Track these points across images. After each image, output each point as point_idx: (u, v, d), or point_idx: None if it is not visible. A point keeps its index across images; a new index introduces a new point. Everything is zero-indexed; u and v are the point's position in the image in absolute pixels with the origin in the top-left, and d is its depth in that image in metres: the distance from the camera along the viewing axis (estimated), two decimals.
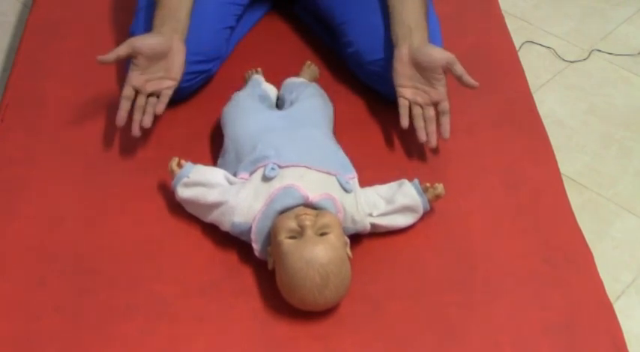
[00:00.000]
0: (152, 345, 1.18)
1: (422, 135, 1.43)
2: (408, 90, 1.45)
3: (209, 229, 1.31)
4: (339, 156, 1.35)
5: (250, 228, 1.24)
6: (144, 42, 1.41)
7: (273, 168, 1.26)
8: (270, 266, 1.22)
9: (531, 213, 1.39)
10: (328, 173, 1.28)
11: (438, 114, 1.44)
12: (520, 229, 1.36)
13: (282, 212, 1.22)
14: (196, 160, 1.35)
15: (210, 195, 1.28)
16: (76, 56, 1.66)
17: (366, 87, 1.60)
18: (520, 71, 1.70)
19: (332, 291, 1.17)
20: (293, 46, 1.71)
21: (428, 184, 1.32)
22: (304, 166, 1.27)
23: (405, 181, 1.33)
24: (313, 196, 1.23)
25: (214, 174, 1.31)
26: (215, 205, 1.27)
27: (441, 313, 1.23)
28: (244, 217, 1.25)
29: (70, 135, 1.49)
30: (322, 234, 1.18)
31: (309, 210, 1.21)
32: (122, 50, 1.40)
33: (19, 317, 1.20)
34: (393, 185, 1.33)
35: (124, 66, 1.60)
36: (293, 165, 1.27)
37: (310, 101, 1.45)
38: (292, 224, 1.19)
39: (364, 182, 1.33)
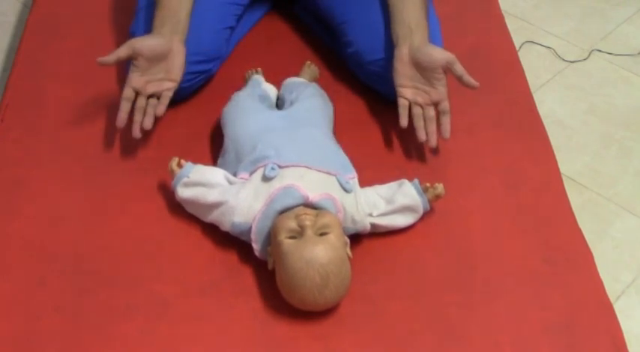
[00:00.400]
0: (152, 345, 1.18)
1: (422, 135, 1.43)
2: (408, 90, 1.44)
3: (209, 229, 1.31)
4: (339, 156, 1.35)
5: (250, 228, 1.24)
6: (144, 43, 1.41)
7: (273, 168, 1.26)
8: (270, 266, 1.22)
9: (531, 213, 1.39)
10: (328, 173, 1.28)
11: (438, 114, 1.44)
12: (520, 229, 1.36)
13: (282, 212, 1.22)
14: (196, 160, 1.35)
15: (210, 195, 1.28)
16: (76, 56, 1.66)
17: (366, 87, 1.60)
18: (520, 71, 1.70)
19: (332, 291, 1.17)
20: (293, 46, 1.71)
21: (428, 184, 1.32)
22: (304, 166, 1.27)
23: (405, 181, 1.33)
24: (313, 196, 1.23)
25: (214, 174, 1.31)
26: (215, 205, 1.27)
27: (441, 313, 1.23)
28: (244, 217, 1.25)
29: (70, 135, 1.49)
30: (322, 234, 1.18)
31: (309, 210, 1.21)
32: (122, 51, 1.40)
33: (19, 317, 1.20)
34: (392, 185, 1.33)
35: (124, 66, 1.60)
36: (293, 165, 1.27)
37: (310, 101, 1.45)
38: (292, 224, 1.19)
39: (364, 182, 1.33)
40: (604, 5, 2.36)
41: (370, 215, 1.29)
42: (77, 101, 1.56)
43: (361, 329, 1.20)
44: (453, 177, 1.42)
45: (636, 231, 1.73)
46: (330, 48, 1.69)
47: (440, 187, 1.32)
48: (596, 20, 2.30)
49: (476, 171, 1.46)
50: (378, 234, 1.32)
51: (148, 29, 1.48)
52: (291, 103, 1.45)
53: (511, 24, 1.90)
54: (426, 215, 1.34)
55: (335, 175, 1.29)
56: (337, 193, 1.26)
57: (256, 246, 1.25)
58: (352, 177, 1.31)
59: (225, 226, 1.28)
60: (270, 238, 1.22)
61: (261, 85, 1.51)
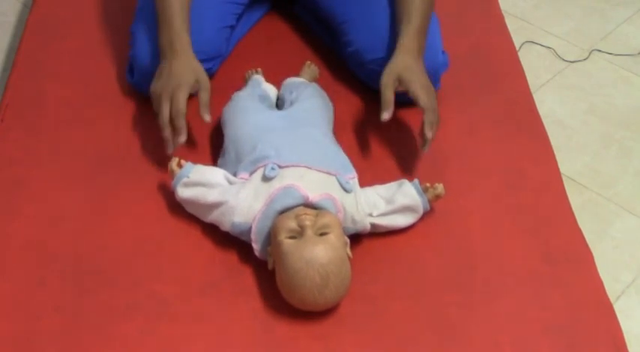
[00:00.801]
0: (152, 345, 1.18)
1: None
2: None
3: (209, 229, 1.31)
4: (339, 156, 1.35)
5: (250, 228, 1.24)
6: (204, 76, 1.40)
7: (273, 168, 1.26)
8: (270, 266, 1.22)
9: (531, 213, 1.39)
10: (328, 173, 1.28)
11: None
12: (520, 229, 1.36)
13: (282, 212, 1.22)
14: (196, 160, 1.35)
15: (210, 195, 1.28)
16: (76, 56, 1.66)
17: (366, 87, 1.59)
18: (520, 71, 1.70)
19: (332, 291, 1.17)
20: (293, 46, 1.71)
21: (428, 184, 1.32)
22: (304, 166, 1.27)
23: (405, 181, 1.33)
24: (313, 196, 1.23)
25: (214, 174, 1.31)
26: (215, 205, 1.27)
27: (441, 313, 1.23)
28: (244, 217, 1.25)
29: (70, 135, 1.49)
30: (322, 234, 1.18)
31: (309, 210, 1.21)
32: (206, 96, 1.38)
33: (19, 317, 1.20)
34: (393, 185, 1.33)
35: (124, 67, 1.60)
36: (293, 165, 1.27)
37: (310, 101, 1.45)
38: (292, 224, 1.19)
39: (364, 182, 1.33)
40: (604, 5, 2.36)
41: (370, 215, 1.29)
42: (77, 101, 1.56)
43: (361, 329, 1.20)
44: (453, 177, 1.42)
45: (636, 231, 1.72)
46: (330, 48, 1.69)
47: (440, 187, 1.32)
48: (596, 20, 2.30)
49: (476, 171, 1.46)
50: (378, 234, 1.32)
51: (148, 30, 1.48)
52: (291, 103, 1.45)
53: (511, 24, 1.90)
54: (426, 215, 1.34)
55: (335, 175, 1.29)
56: (337, 193, 1.26)
57: (256, 246, 1.25)
58: (352, 177, 1.31)
59: (225, 226, 1.27)
60: (270, 238, 1.22)
61: (261, 85, 1.51)
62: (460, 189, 1.40)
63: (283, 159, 1.28)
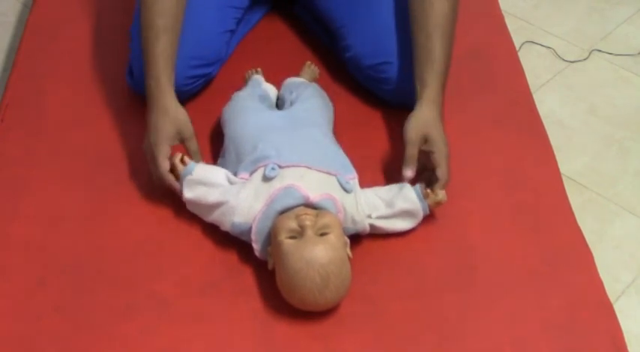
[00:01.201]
0: (152, 345, 1.18)
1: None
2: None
3: (209, 229, 1.31)
4: (339, 157, 1.34)
5: (250, 228, 1.24)
6: (189, 126, 1.37)
7: (273, 168, 1.26)
8: (270, 267, 1.22)
9: (531, 213, 1.39)
10: (328, 173, 1.28)
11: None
12: (520, 229, 1.36)
13: (283, 212, 1.22)
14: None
15: (211, 195, 1.28)
16: (76, 56, 1.66)
17: (366, 87, 1.59)
18: (520, 71, 1.70)
19: (332, 291, 1.17)
20: (293, 46, 1.71)
21: (429, 190, 1.32)
22: (305, 166, 1.27)
23: (407, 185, 1.32)
24: (314, 196, 1.23)
25: (216, 174, 1.30)
26: (216, 205, 1.27)
27: (441, 313, 1.23)
28: (244, 217, 1.25)
29: (70, 135, 1.49)
30: (322, 234, 1.18)
31: (309, 210, 1.21)
32: (194, 145, 1.36)
33: (19, 317, 1.20)
34: (393, 187, 1.33)
35: (123, 67, 1.60)
36: (293, 165, 1.27)
37: (310, 101, 1.45)
38: (292, 224, 1.19)
39: (364, 182, 1.33)
40: (604, 5, 2.35)
41: (369, 217, 1.28)
42: (77, 101, 1.56)
43: (361, 330, 1.20)
44: (452, 178, 1.42)
45: (636, 231, 1.72)
46: (329, 48, 1.69)
47: (441, 194, 1.31)
48: (596, 20, 2.30)
49: (476, 171, 1.46)
50: (378, 234, 1.31)
51: None
52: (291, 103, 1.45)
53: (511, 24, 1.90)
54: (426, 215, 1.34)
55: (335, 175, 1.28)
56: (337, 193, 1.26)
57: (256, 246, 1.25)
58: (352, 178, 1.31)
59: (226, 226, 1.27)
60: (271, 238, 1.22)
61: (261, 85, 1.51)
62: (460, 189, 1.40)
63: (283, 159, 1.27)
